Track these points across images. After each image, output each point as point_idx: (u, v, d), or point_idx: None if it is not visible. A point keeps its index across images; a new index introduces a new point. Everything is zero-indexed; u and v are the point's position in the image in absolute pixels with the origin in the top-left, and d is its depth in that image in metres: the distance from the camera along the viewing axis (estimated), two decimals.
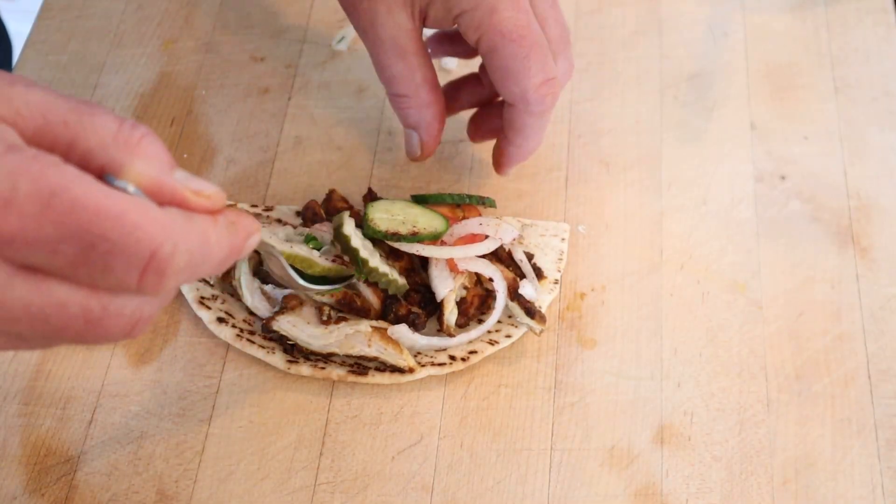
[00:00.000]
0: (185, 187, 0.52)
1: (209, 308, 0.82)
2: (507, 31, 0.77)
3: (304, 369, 0.79)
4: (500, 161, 0.85)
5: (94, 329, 0.50)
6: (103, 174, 0.50)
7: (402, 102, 0.82)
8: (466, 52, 0.88)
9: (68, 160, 0.49)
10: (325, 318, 0.79)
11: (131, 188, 0.50)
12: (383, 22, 0.79)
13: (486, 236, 0.81)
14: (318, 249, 0.79)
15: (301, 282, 0.75)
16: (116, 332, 0.51)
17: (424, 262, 0.81)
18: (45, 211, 0.47)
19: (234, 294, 0.82)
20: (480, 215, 0.84)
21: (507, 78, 0.78)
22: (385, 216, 0.80)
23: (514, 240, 0.82)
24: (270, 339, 0.81)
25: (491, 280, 0.80)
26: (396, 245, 0.80)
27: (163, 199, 0.51)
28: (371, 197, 0.85)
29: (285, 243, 0.76)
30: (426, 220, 0.81)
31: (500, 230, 0.81)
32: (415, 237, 0.79)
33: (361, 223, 0.81)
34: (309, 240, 0.80)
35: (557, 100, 0.80)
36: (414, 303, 0.80)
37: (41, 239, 0.47)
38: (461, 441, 0.77)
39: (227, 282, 0.82)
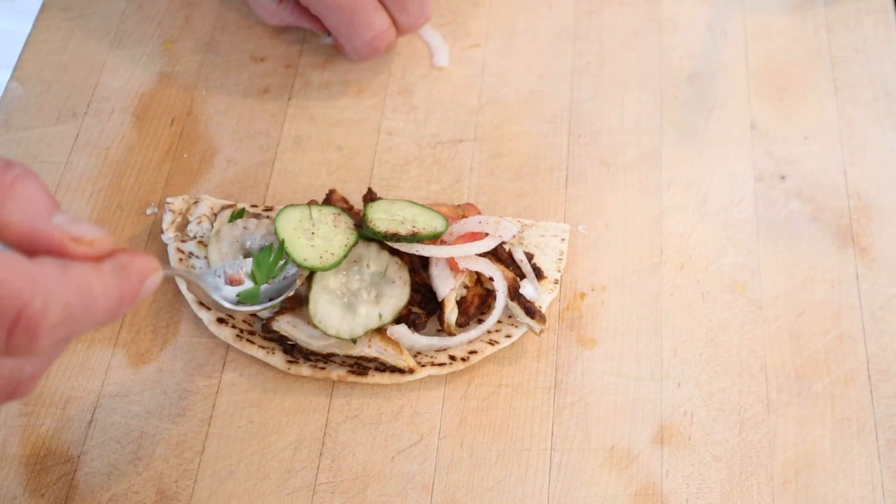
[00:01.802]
0: (62, 234, 0.48)
1: (209, 309, 0.82)
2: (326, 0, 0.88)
3: (304, 369, 0.79)
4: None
5: None
6: None
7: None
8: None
9: None
10: None
11: None
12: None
13: (486, 234, 0.81)
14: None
15: (228, 305, 0.74)
16: None
17: (425, 261, 0.81)
18: None
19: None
20: (480, 214, 0.84)
21: (339, 39, 0.92)
22: (384, 216, 0.80)
23: (513, 237, 0.82)
24: (270, 340, 0.81)
25: (491, 279, 0.80)
26: (396, 246, 0.80)
27: (36, 247, 0.47)
28: (371, 197, 0.85)
29: (192, 272, 0.74)
30: (425, 219, 0.81)
31: (499, 228, 0.81)
32: (414, 237, 0.79)
33: (361, 223, 0.81)
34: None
35: (393, 41, 0.93)
36: (414, 303, 0.80)
37: None
38: (461, 441, 0.77)
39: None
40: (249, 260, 0.78)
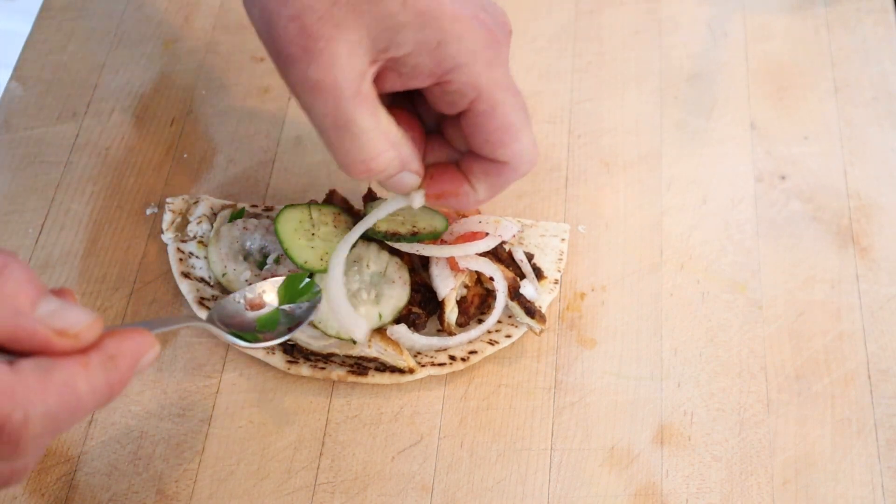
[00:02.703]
0: (47, 328, 0.47)
1: (209, 308, 0.82)
2: (505, 85, 0.70)
3: (304, 369, 0.79)
4: (442, 197, 0.74)
5: None
6: None
7: (378, 163, 0.68)
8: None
9: None
10: None
11: None
12: (343, 65, 0.65)
13: (486, 234, 0.81)
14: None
15: (243, 344, 0.73)
16: None
17: (425, 261, 0.81)
18: None
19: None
20: (480, 213, 0.84)
21: (508, 135, 0.70)
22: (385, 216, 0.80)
23: (514, 236, 0.82)
24: None
25: (491, 279, 0.80)
26: (396, 245, 0.80)
27: (20, 347, 0.47)
28: (371, 197, 0.85)
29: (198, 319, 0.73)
30: (426, 219, 0.81)
31: (499, 227, 0.82)
32: (414, 237, 0.79)
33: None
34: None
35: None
36: (414, 303, 0.80)
37: None
38: (461, 441, 0.77)
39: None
40: (270, 281, 0.77)
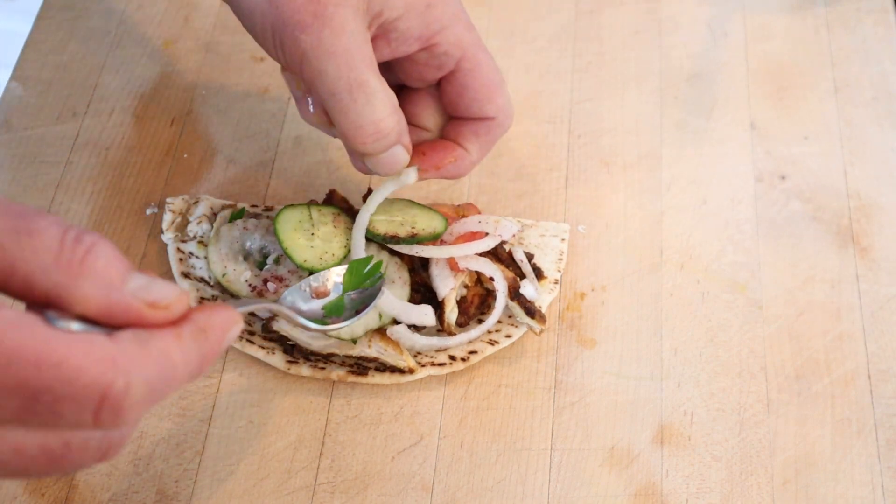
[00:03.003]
0: (140, 302, 0.48)
1: None
2: (482, 46, 0.77)
3: (304, 369, 0.79)
4: (439, 167, 0.79)
5: (60, 465, 0.48)
6: (46, 308, 0.47)
7: (387, 126, 0.72)
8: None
9: (8, 287, 0.47)
10: None
11: (75, 325, 0.47)
12: (353, 28, 0.70)
13: (486, 234, 0.81)
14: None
15: (316, 326, 0.72)
16: (85, 461, 0.48)
17: (425, 261, 0.81)
18: None
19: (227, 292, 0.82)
20: (480, 213, 0.84)
21: (492, 91, 0.77)
22: (384, 218, 0.80)
23: (513, 236, 0.82)
24: (270, 340, 0.81)
25: (491, 279, 0.80)
26: (396, 247, 0.80)
27: (115, 321, 0.48)
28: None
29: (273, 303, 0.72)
30: (425, 220, 0.81)
31: (499, 227, 0.81)
32: (414, 239, 0.79)
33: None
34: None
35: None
36: (414, 302, 0.80)
37: None
38: (461, 441, 0.77)
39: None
40: (334, 269, 0.77)
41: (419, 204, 0.83)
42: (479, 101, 0.77)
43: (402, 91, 0.80)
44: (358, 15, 0.70)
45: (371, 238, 0.79)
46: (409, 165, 0.77)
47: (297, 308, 0.73)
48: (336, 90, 0.70)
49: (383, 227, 0.80)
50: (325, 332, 0.75)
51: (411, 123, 0.80)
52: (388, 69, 0.78)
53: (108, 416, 0.46)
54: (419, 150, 0.78)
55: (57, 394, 0.45)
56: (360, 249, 0.79)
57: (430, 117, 0.80)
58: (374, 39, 0.73)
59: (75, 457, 0.48)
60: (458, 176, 0.80)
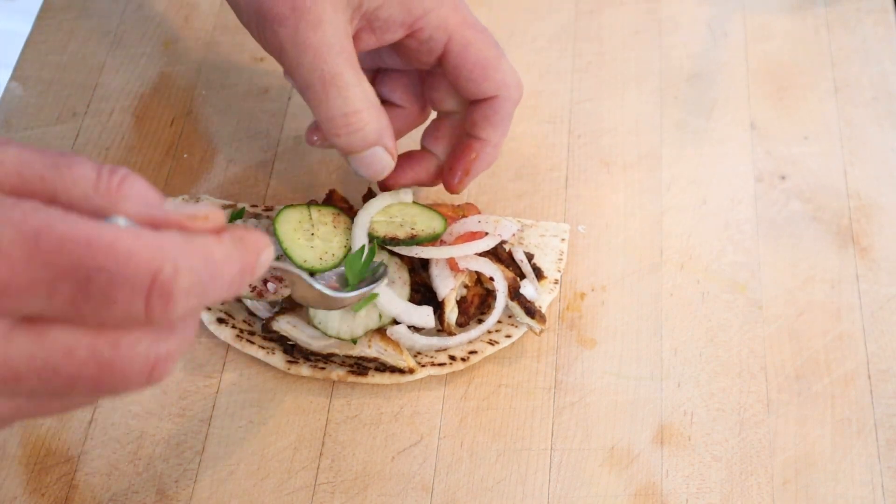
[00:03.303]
0: (178, 214, 0.49)
1: (209, 309, 0.82)
2: (472, 23, 0.76)
3: (304, 370, 0.79)
4: (471, 167, 0.81)
5: (109, 373, 0.47)
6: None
7: (359, 119, 0.73)
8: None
9: None
10: None
11: (122, 221, 0.47)
12: (331, 21, 0.71)
13: (486, 234, 0.81)
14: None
15: (334, 294, 0.70)
16: (134, 374, 0.48)
17: (425, 261, 0.81)
18: (34, 253, 0.44)
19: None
20: (479, 213, 0.84)
21: (488, 67, 0.76)
22: (383, 219, 0.80)
23: (513, 235, 0.82)
24: (270, 340, 0.81)
25: (491, 279, 0.80)
26: (395, 249, 0.80)
27: (157, 227, 0.48)
28: (371, 197, 0.85)
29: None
30: (424, 221, 0.81)
31: (498, 227, 0.81)
32: (413, 240, 0.79)
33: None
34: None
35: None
36: (414, 303, 0.80)
37: (35, 282, 0.44)
38: (461, 441, 0.77)
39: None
40: (335, 271, 0.77)
41: (419, 204, 0.83)
42: (475, 80, 0.77)
43: (424, 76, 0.82)
44: (337, 7, 0.71)
45: (371, 239, 0.79)
46: (430, 184, 0.83)
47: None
48: (310, 82, 0.72)
49: (383, 228, 0.80)
50: (339, 304, 0.72)
51: (437, 109, 0.83)
52: (396, 53, 0.79)
53: (157, 302, 0.46)
54: (446, 158, 0.82)
55: (110, 273, 0.45)
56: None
57: (450, 100, 0.81)
58: (358, 30, 0.74)
59: (123, 365, 0.47)
60: (488, 165, 0.81)
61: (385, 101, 0.82)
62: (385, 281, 0.77)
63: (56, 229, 0.45)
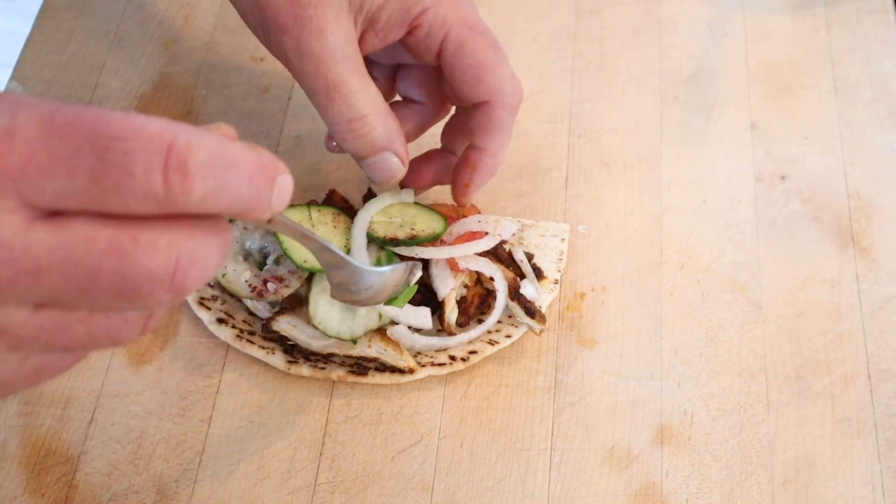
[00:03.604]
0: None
1: (209, 309, 0.82)
2: (473, 23, 0.74)
3: (304, 370, 0.79)
4: (471, 179, 0.79)
5: (131, 269, 0.45)
6: None
7: (365, 125, 0.73)
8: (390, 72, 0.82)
9: None
10: None
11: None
12: (333, 29, 0.71)
13: (486, 233, 0.81)
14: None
15: (374, 269, 0.68)
16: (156, 273, 0.46)
17: (425, 261, 0.81)
18: (50, 129, 0.44)
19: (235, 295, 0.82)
20: (479, 213, 0.84)
21: (481, 70, 0.74)
22: (383, 219, 0.80)
23: (513, 234, 0.82)
24: (270, 340, 0.81)
25: (492, 279, 0.80)
26: (395, 250, 0.80)
27: None
28: (371, 197, 0.85)
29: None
30: (424, 221, 0.81)
31: (498, 226, 0.81)
32: (413, 241, 0.79)
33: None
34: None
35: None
36: (414, 303, 0.80)
37: (54, 158, 0.44)
38: (461, 441, 0.77)
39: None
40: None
41: (419, 204, 0.83)
42: (467, 83, 0.75)
43: (439, 71, 0.80)
44: (341, 14, 0.71)
45: (371, 240, 0.79)
46: (424, 187, 0.82)
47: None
48: (315, 90, 0.72)
49: (382, 228, 0.80)
50: (374, 287, 0.69)
51: (454, 104, 0.82)
52: (405, 51, 0.78)
53: (175, 176, 0.45)
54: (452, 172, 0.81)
55: (126, 142, 0.44)
56: (360, 249, 0.79)
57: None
58: (362, 33, 0.74)
59: (144, 258, 0.46)
60: (490, 176, 0.79)
61: (405, 97, 0.82)
62: (418, 275, 0.75)
63: (70, 108, 0.45)
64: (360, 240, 0.79)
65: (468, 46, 0.74)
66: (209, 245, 0.48)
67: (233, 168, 0.47)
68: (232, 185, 0.47)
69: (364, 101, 0.72)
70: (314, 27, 0.71)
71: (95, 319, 0.48)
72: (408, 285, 0.74)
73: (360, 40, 0.74)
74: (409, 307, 0.79)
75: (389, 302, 0.77)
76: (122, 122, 0.44)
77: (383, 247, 0.80)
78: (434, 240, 0.80)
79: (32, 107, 0.44)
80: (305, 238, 0.60)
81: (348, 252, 0.79)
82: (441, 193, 0.90)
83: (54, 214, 0.45)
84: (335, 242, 0.80)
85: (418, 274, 0.74)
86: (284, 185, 0.50)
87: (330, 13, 0.71)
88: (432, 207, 0.83)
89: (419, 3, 0.73)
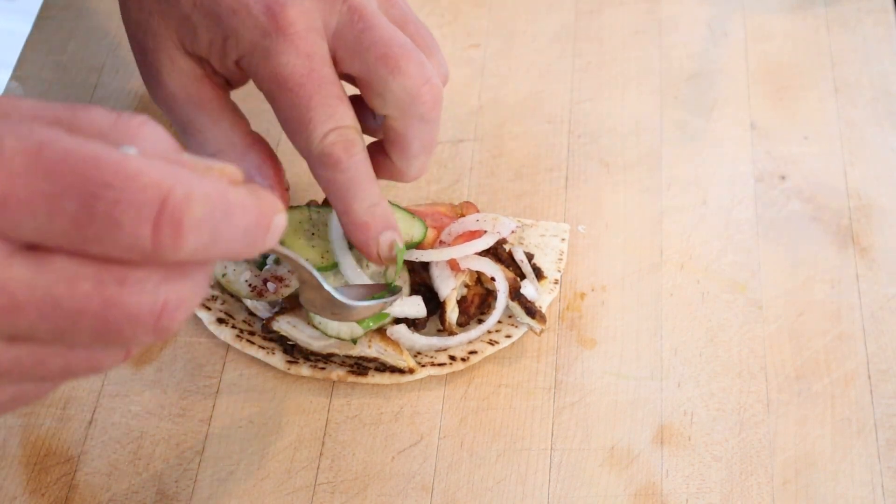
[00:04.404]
0: (195, 161, 0.46)
1: (209, 309, 0.82)
2: (283, 78, 0.68)
3: (304, 370, 0.79)
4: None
5: (114, 311, 0.43)
6: None
7: (223, 158, 0.72)
8: None
9: None
10: None
11: (133, 151, 0.44)
12: (169, 72, 0.71)
13: (485, 231, 0.81)
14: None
15: (349, 302, 0.67)
16: (141, 316, 0.44)
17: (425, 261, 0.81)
18: (36, 163, 0.41)
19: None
20: (478, 212, 0.84)
21: (291, 132, 0.70)
22: None
23: (512, 232, 0.82)
24: (270, 340, 0.81)
25: (492, 279, 0.80)
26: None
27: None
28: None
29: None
30: (404, 227, 0.79)
31: (497, 224, 0.81)
32: None
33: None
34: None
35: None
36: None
37: (35, 196, 0.41)
38: (461, 441, 0.77)
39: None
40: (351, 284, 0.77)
41: (402, 208, 0.81)
42: (288, 135, 0.71)
43: None
44: (173, 54, 0.72)
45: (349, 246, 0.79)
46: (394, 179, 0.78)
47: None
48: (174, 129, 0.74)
49: None
50: (347, 314, 0.69)
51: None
52: None
53: (167, 230, 0.42)
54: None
55: (117, 191, 0.41)
56: (343, 251, 0.78)
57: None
58: (206, 71, 0.73)
59: (129, 302, 0.43)
60: (402, 177, 0.75)
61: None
62: (399, 299, 0.76)
63: (62, 143, 0.42)
64: (339, 242, 0.78)
65: (276, 104, 0.69)
66: (196, 281, 0.46)
67: (229, 220, 0.45)
68: (226, 237, 0.45)
69: (214, 137, 0.72)
70: (152, 73, 0.72)
71: (74, 352, 0.46)
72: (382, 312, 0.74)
73: (207, 80, 0.73)
74: (402, 298, 0.79)
75: (359, 322, 0.76)
76: (116, 167, 0.42)
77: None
78: (412, 247, 0.79)
79: (23, 135, 0.42)
80: (289, 259, 0.60)
81: (334, 265, 0.78)
82: (440, 194, 0.90)
83: (34, 247, 0.43)
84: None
85: (399, 297, 0.75)
86: (278, 226, 0.48)
87: (164, 56, 0.71)
88: (414, 213, 0.81)
89: (235, 48, 0.69)
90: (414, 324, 0.80)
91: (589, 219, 0.88)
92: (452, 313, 0.80)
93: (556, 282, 0.84)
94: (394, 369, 0.79)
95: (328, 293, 0.65)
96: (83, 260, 0.43)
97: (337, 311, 0.68)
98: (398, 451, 0.77)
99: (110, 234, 0.42)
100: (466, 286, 0.81)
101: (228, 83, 0.75)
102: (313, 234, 0.80)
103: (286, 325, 0.79)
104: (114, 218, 0.42)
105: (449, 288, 0.79)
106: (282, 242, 0.78)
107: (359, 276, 0.78)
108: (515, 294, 0.80)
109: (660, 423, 0.78)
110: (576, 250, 0.87)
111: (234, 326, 0.81)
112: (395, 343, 0.79)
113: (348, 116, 0.68)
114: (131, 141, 0.45)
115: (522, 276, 0.82)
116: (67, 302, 0.43)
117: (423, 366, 0.79)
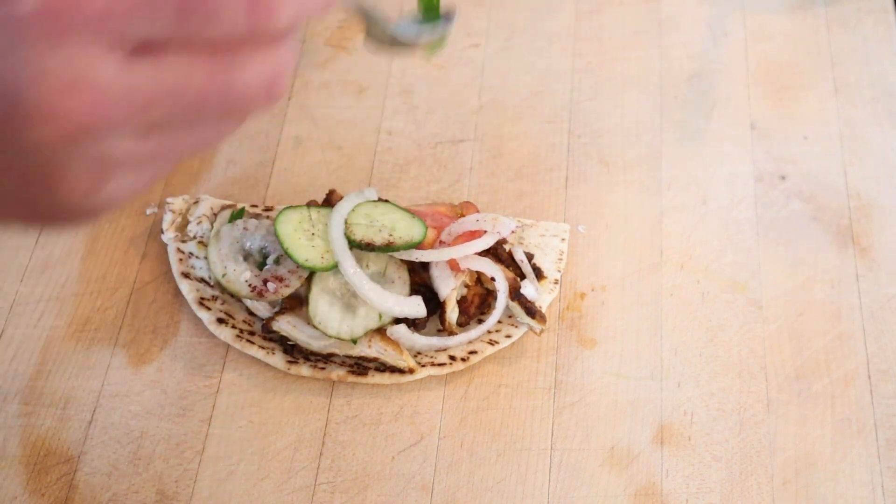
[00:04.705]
0: None
1: (209, 309, 0.82)
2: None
3: (304, 370, 0.79)
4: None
5: (231, 90, 0.47)
6: None
7: None
8: None
9: None
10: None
11: None
12: None
13: (485, 232, 0.81)
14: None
15: (408, 35, 0.63)
16: (254, 88, 0.47)
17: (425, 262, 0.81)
18: None
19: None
20: (478, 212, 0.84)
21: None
22: (364, 222, 0.80)
23: (512, 232, 0.82)
24: (270, 340, 0.81)
25: (492, 279, 0.80)
26: (396, 255, 0.79)
27: None
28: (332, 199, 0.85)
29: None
30: (404, 227, 0.79)
31: (497, 224, 0.81)
32: (389, 247, 0.79)
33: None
34: None
35: None
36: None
37: (136, 2, 0.44)
38: (461, 441, 0.77)
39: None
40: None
41: (402, 209, 0.81)
42: None
43: None
44: None
45: (348, 242, 0.79)
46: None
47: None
48: None
49: (360, 231, 0.79)
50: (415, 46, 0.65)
51: None
52: None
53: (262, 8, 0.45)
54: None
55: None
56: (343, 250, 0.79)
57: None
58: None
59: (243, 79, 0.47)
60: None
61: None
62: (455, 20, 0.72)
63: None
64: (339, 242, 0.79)
65: None
66: (291, 45, 0.49)
67: None
68: (311, 6, 0.48)
69: None
70: None
71: (200, 130, 0.50)
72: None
73: None
74: (402, 298, 0.79)
75: (426, 50, 0.73)
76: None
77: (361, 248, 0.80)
78: (411, 248, 0.79)
79: None
80: None
81: (334, 265, 0.78)
82: (440, 194, 0.90)
83: (144, 49, 0.45)
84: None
85: (395, 304, 0.77)
86: None
87: None
88: (416, 214, 0.81)
89: None
90: (414, 324, 0.80)
91: (589, 219, 0.88)
92: (452, 313, 0.79)
93: (556, 282, 0.84)
94: (394, 369, 0.79)
95: (391, 32, 0.65)
96: (193, 53, 0.46)
97: (399, 44, 0.67)
98: (398, 451, 0.77)
99: (210, 21, 0.45)
100: (466, 286, 0.81)
101: None
102: (313, 234, 0.80)
103: (286, 325, 0.79)
104: (210, 6, 0.45)
105: (449, 288, 0.79)
106: (282, 241, 0.79)
107: (359, 276, 0.78)
108: (515, 294, 0.80)
109: (660, 423, 0.78)
110: (576, 250, 0.87)
111: (234, 326, 0.81)
112: (395, 343, 0.79)
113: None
114: None
115: (522, 276, 0.82)
116: (189, 89, 0.46)
117: (423, 366, 0.79)
